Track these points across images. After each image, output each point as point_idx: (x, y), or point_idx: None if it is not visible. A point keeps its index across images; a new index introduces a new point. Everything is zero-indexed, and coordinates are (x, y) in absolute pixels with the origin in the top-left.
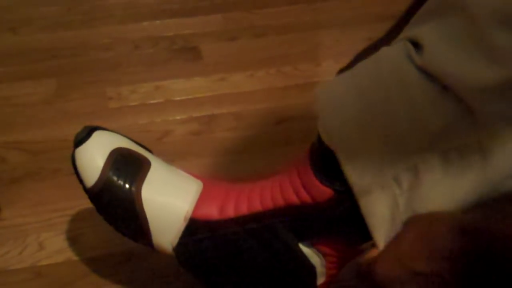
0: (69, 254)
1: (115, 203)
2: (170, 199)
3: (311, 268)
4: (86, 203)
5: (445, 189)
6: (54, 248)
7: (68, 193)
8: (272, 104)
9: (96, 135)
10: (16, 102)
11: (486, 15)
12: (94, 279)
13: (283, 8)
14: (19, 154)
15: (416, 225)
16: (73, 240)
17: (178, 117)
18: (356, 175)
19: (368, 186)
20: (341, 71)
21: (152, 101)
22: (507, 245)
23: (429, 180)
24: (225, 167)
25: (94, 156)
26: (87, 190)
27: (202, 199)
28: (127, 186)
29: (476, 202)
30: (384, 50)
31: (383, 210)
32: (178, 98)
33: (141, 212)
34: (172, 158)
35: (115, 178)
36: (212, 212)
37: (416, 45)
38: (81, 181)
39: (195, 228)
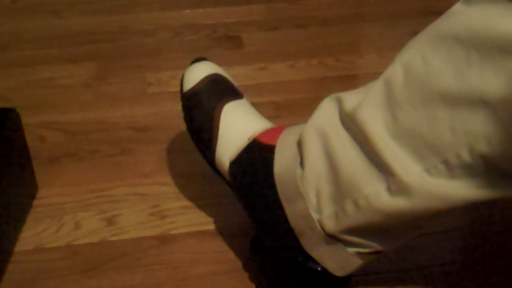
0: (105, 235)
1: (198, 110)
2: (243, 122)
3: None
4: (122, 185)
5: None
6: (90, 228)
7: (105, 174)
8: (313, 94)
9: (207, 61)
10: (56, 83)
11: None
12: (127, 260)
13: (325, 0)
14: (58, 134)
15: None
16: (109, 221)
17: None
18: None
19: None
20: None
21: None
22: None
23: None
24: None
25: (197, 71)
26: (181, 96)
27: (270, 131)
28: (213, 100)
29: None
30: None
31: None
32: None
33: (215, 124)
34: None
35: (206, 91)
36: (273, 140)
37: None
38: (181, 89)
39: (254, 148)
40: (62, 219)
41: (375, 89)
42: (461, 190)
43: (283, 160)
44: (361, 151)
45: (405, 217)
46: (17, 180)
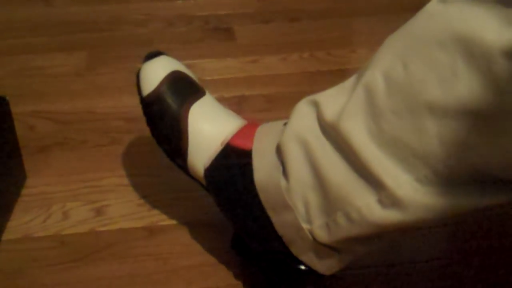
0: (93, 225)
1: (163, 116)
2: (213, 124)
3: None
4: (111, 175)
5: None
6: (78, 218)
7: (94, 164)
8: (304, 88)
9: (164, 57)
10: (47, 72)
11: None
12: (115, 250)
13: None
14: (47, 124)
15: None
16: (97, 211)
17: None
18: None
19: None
20: None
21: None
22: None
23: None
24: None
25: (155, 71)
26: (141, 99)
27: (242, 131)
28: (177, 103)
29: None
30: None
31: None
32: (209, 78)
33: (184, 129)
34: None
35: (168, 93)
36: (247, 143)
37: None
38: (139, 91)
39: (228, 153)
40: (50, 208)
41: (356, 97)
42: (453, 200)
43: (262, 168)
44: (347, 161)
45: (398, 227)
46: (5, 169)
